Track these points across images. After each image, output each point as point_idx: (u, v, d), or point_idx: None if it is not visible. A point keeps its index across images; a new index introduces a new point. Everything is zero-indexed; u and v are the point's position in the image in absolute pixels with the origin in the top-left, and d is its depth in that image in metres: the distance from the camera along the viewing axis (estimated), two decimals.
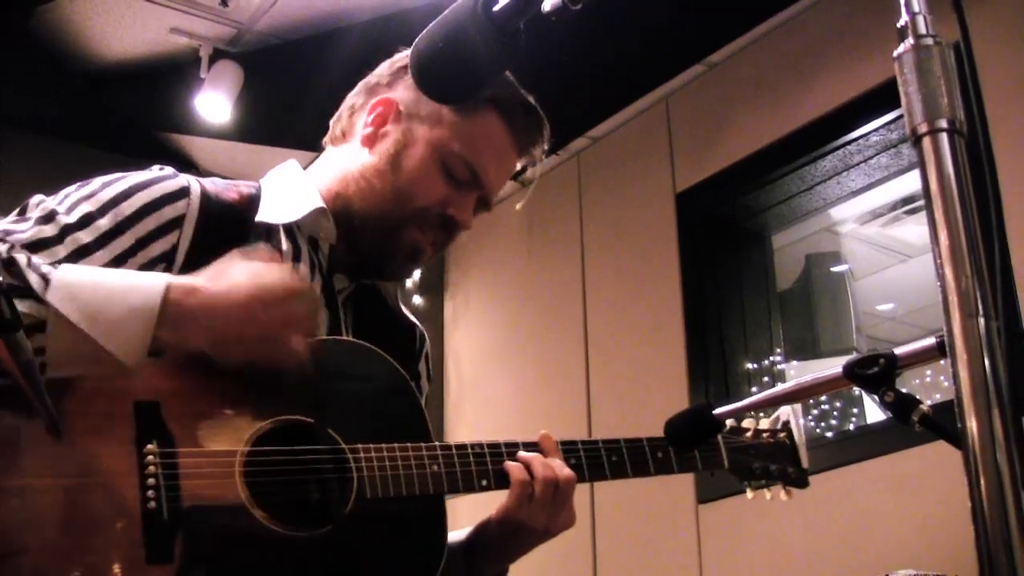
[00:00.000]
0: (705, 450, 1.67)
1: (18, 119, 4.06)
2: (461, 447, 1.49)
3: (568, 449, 1.57)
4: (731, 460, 1.69)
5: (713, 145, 3.78)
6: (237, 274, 1.31)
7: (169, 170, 1.49)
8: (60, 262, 1.32)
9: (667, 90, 3.96)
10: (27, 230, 1.34)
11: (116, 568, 1.22)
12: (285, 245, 1.50)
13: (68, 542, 1.21)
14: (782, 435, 1.75)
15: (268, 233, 1.50)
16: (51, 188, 1.42)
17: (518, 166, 1.65)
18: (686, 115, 3.94)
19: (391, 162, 1.54)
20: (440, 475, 1.45)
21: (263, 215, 1.50)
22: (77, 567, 1.20)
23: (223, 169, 4.59)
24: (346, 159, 1.59)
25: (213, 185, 1.50)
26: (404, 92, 1.58)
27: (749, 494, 1.72)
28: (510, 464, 1.50)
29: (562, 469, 1.51)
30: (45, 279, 1.24)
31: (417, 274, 4.42)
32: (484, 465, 1.50)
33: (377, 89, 1.61)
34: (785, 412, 1.76)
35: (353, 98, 1.64)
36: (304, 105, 3.92)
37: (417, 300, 4.81)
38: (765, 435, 1.74)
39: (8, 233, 1.33)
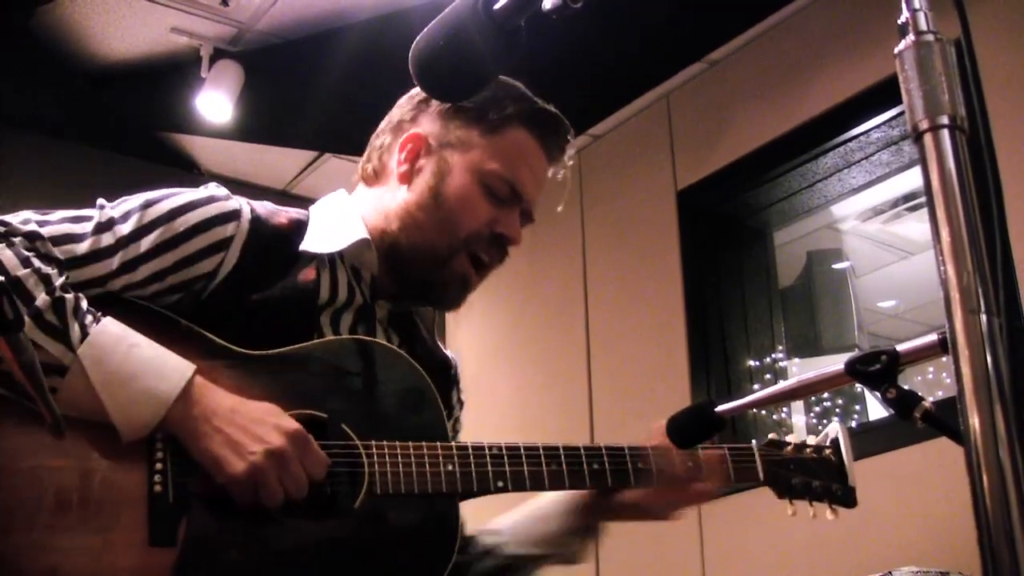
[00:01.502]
0: (741, 462, 1.63)
1: (18, 119, 4.05)
2: (478, 447, 1.48)
3: (591, 454, 1.56)
4: (768, 473, 1.64)
5: (714, 143, 3.78)
6: (270, 417, 1.34)
7: (224, 191, 1.52)
8: (112, 274, 1.39)
9: (668, 88, 3.95)
10: (86, 239, 1.39)
11: (117, 547, 1.25)
12: (326, 273, 1.52)
13: (71, 521, 1.24)
14: (828, 451, 1.67)
15: (312, 261, 1.52)
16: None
17: (550, 173, 1.67)
18: (687, 113, 3.93)
19: (432, 194, 1.56)
20: (455, 475, 1.44)
21: (308, 243, 1.52)
22: (79, 545, 1.23)
23: (224, 169, 4.59)
24: (384, 198, 1.60)
25: (264, 208, 1.52)
26: (429, 124, 1.60)
27: (789, 510, 1.65)
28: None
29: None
30: (84, 331, 1.29)
31: None
32: (502, 466, 1.48)
33: (402, 126, 1.62)
34: (834, 429, 1.69)
35: (379, 138, 1.65)
36: (305, 104, 3.93)
37: None
38: (808, 451, 1.67)
39: (69, 238, 1.37)
